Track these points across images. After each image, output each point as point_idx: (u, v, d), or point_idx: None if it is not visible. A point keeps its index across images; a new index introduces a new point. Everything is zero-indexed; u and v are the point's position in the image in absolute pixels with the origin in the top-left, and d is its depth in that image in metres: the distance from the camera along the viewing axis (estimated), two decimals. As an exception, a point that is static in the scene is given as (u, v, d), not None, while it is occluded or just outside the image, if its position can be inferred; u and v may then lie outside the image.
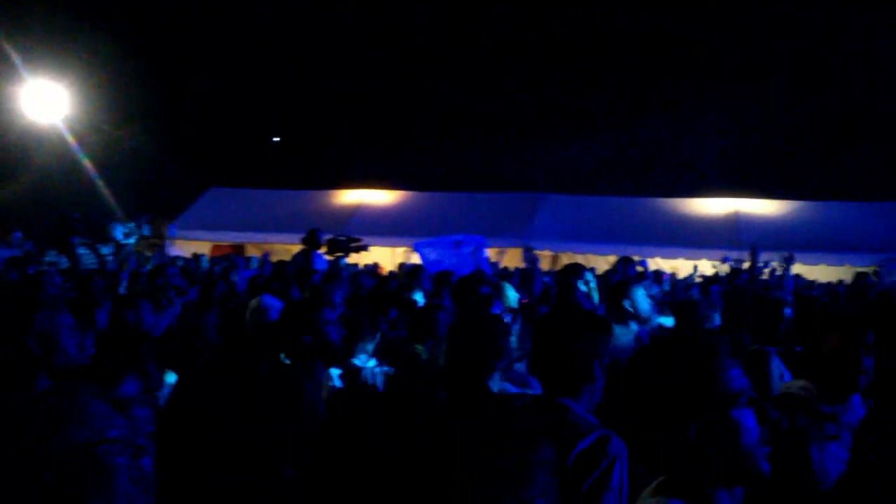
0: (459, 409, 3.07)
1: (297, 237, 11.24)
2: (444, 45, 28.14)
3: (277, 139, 32.36)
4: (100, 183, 23.12)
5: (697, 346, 1.68)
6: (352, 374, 4.82)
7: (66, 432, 1.65)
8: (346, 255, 9.83)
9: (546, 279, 10.08)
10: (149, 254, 14.57)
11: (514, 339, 4.88)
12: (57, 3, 25.69)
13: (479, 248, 10.17)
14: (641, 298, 5.75)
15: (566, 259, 17.36)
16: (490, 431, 2.39)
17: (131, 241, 9.85)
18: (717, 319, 5.97)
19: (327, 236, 10.10)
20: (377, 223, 21.14)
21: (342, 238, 10.01)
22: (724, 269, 14.72)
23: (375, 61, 29.06)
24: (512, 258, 17.41)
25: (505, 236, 19.29)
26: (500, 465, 2.21)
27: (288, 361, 3.79)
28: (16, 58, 23.80)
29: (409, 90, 29.24)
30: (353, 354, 5.04)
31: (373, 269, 14.11)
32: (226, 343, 5.05)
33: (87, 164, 24.68)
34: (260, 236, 21.22)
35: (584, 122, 27.20)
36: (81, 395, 1.77)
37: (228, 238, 21.73)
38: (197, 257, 14.85)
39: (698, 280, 14.37)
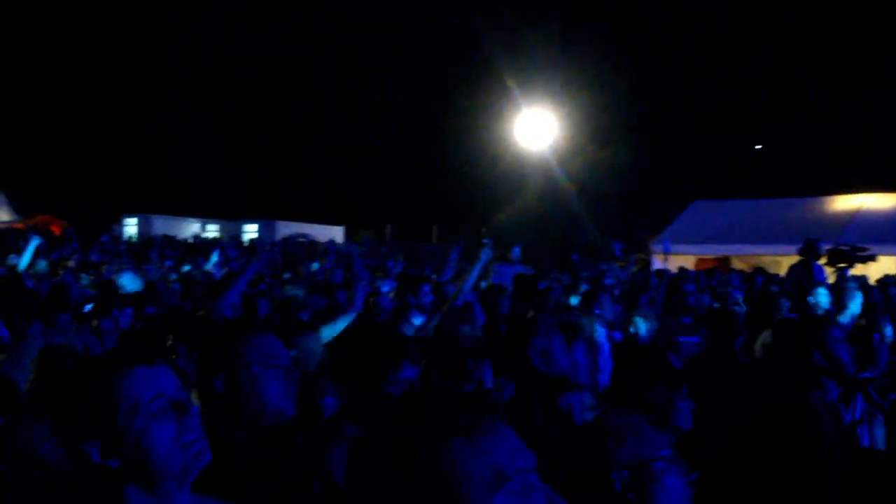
0: None
1: (787, 248, 10.60)
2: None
3: (759, 147, 31.16)
4: (586, 202, 24.27)
5: None
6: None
7: (628, 446, 1.82)
8: (851, 265, 8.97)
9: None
10: (634, 268, 14.87)
11: None
12: (549, 35, 27.58)
13: None
14: None
15: None
16: None
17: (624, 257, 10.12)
18: None
19: (827, 246, 9.33)
20: (882, 230, 19.06)
21: (845, 247, 9.17)
22: None
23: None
24: None
25: None
26: None
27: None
28: (514, 90, 26.18)
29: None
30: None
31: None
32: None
33: (574, 185, 26.14)
34: (746, 248, 20.50)
35: None
36: (632, 417, 1.92)
37: (713, 251, 21.33)
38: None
39: None
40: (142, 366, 1.55)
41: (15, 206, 28.00)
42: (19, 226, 21.44)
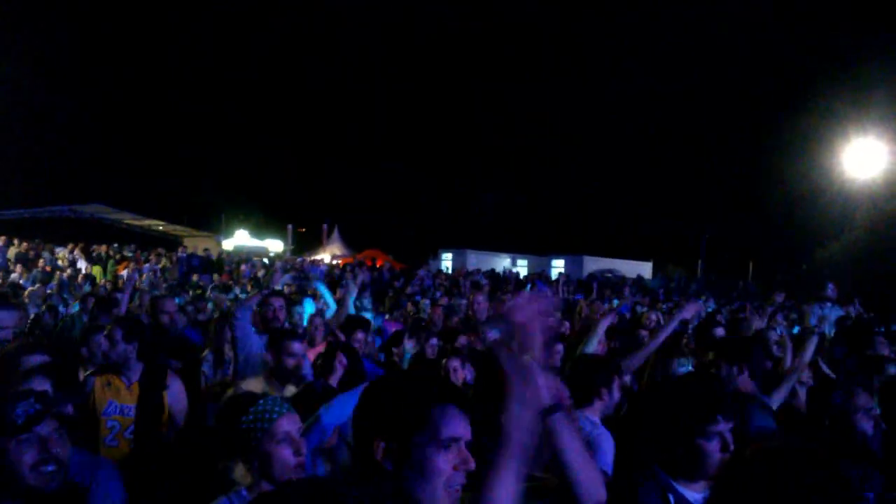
0: None
1: None
2: None
3: None
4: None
5: None
6: None
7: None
8: None
9: None
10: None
11: None
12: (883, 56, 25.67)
13: None
14: None
15: None
16: None
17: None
18: None
19: None
20: None
21: None
22: None
23: None
24: None
25: None
26: None
27: None
28: (844, 117, 24.51)
29: None
30: None
31: None
32: None
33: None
34: None
35: None
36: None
37: None
38: None
39: None
40: (455, 406, 1.71)
41: (346, 240, 30.80)
42: (348, 259, 23.52)
